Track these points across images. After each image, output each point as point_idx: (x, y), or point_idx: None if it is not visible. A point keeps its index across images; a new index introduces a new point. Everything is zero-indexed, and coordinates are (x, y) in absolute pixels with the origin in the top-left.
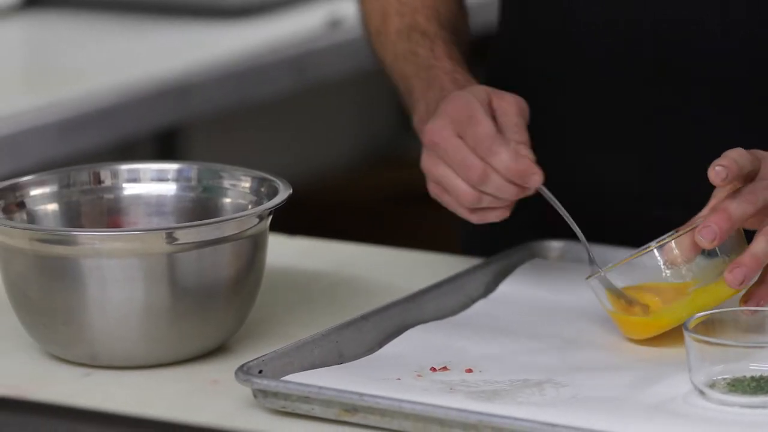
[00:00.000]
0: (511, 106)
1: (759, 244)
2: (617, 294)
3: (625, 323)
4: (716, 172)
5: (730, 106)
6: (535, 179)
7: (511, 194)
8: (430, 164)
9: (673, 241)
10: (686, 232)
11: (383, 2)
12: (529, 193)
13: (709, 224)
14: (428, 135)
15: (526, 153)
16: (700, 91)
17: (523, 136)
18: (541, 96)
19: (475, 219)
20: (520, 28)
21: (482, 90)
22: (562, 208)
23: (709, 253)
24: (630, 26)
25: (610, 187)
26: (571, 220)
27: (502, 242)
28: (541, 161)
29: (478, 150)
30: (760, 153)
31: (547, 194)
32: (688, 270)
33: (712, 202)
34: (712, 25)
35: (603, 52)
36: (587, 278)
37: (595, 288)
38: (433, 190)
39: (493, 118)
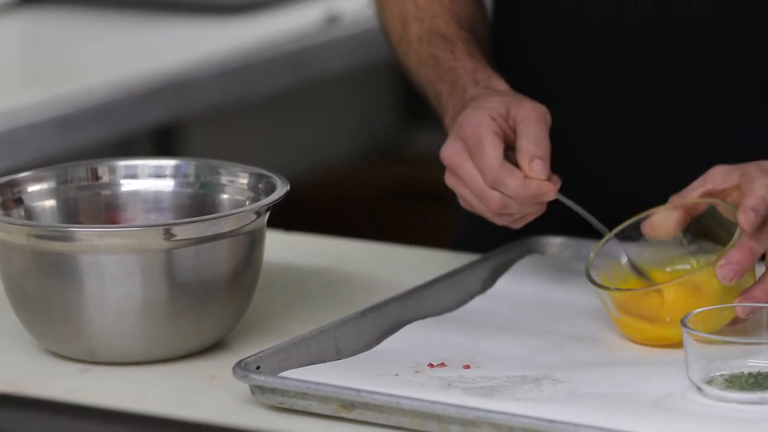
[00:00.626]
0: (530, 114)
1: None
2: (632, 270)
3: (628, 327)
4: (748, 218)
5: (729, 106)
6: (549, 196)
7: (535, 210)
8: (453, 184)
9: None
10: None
11: (402, 10)
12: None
13: (732, 262)
14: (444, 158)
15: (537, 170)
16: (697, 90)
17: (539, 148)
18: (534, 95)
19: (516, 227)
20: (515, 27)
21: (499, 102)
22: (582, 210)
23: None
24: (625, 25)
25: (609, 186)
26: (593, 218)
27: (496, 240)
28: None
29: (488, 182)
30: None
31: (565, 200)
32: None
33: (705, 185)
34: (711, 23)
35: (597, 51)
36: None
37: (601, 295)
38: (462, 204)
39: (513, 129)
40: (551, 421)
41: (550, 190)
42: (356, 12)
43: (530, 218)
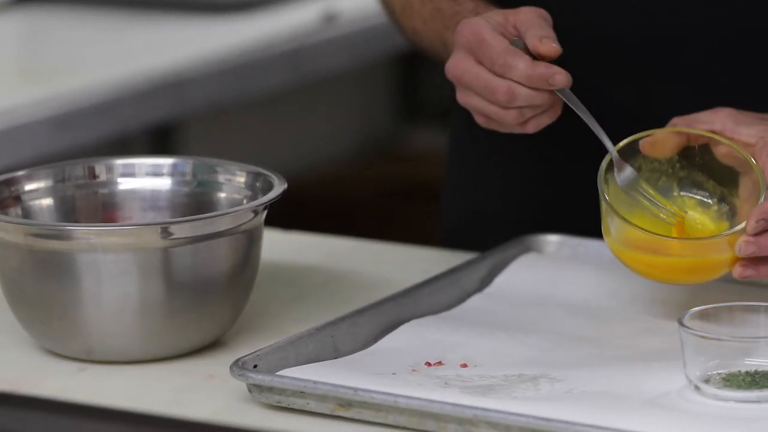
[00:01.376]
0: (529, 14)
1: None
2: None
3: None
4: (758, 226)
5: (720, 97)
6: (559, 78)
7: (544, 100)
8: (463, 98)
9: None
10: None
11: None
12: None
13: (756, 242)
14: (449, 72)
15: (548, 47)
16: (688, 84)
17: (545, 30)
18: None
19: (530, 129)
20: None
21: (497, 12)
22: (589, 116)
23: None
24: (613, 21)
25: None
26: (599, 127)
27: (485, 237)
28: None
29: (496, 69)
30: None
31: (569, 95)
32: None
33: (712, 124)
34: (699, 14)
35: (586, 46)
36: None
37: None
38: (480, 121)
39: (515, 35)
40: (548, 420)
41: (559, 71)
42: (354, 10)
43: (544, 120)
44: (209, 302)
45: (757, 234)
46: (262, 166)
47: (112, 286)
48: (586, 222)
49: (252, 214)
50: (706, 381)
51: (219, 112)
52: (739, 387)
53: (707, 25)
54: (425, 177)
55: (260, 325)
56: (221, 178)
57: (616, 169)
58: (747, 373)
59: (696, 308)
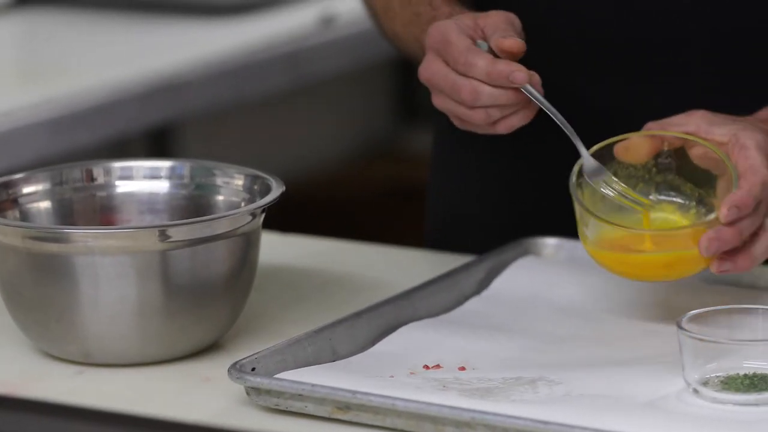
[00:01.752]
0: (497, 17)
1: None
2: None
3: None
4: (730, 214)
5: (714, 94)
6: (519, 75)
7: (510, 99)
8: (436, 101)
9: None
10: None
11: None
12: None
13: (717, 237)
14: (421, 75)
15: (509, 43)
16: (681, 77)
17: (509, 32)
18: None
19: (501, 130)
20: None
21: (467, 16)
22: (555, 111)
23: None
24: (606, 16)
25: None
26: (569, 126)
27: (465, 243)
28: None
29: (459, 68)
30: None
31: (536, 95)
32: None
33: (687, 126)
34: (675, 15)
35: (559, 45)
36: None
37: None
38: (456, 122)
39: (483, 38)
40: (546, 423)
41: (518, 68)
42: (351, 13)
43: (514, 121)
44: (207, 305)
45: (731, 222)
46: (260, 168)
47: (110, 289)
48: (564, 225)
49: (250, 217)
50: (705, 384)
51: (217, 115)
52: (737, 390)
53: (686, 27)
54: (424, 178)
55: (258, 327)
56: (219, 180)
57: (584, 164)
58: (745, 375)
59: (694, 311)
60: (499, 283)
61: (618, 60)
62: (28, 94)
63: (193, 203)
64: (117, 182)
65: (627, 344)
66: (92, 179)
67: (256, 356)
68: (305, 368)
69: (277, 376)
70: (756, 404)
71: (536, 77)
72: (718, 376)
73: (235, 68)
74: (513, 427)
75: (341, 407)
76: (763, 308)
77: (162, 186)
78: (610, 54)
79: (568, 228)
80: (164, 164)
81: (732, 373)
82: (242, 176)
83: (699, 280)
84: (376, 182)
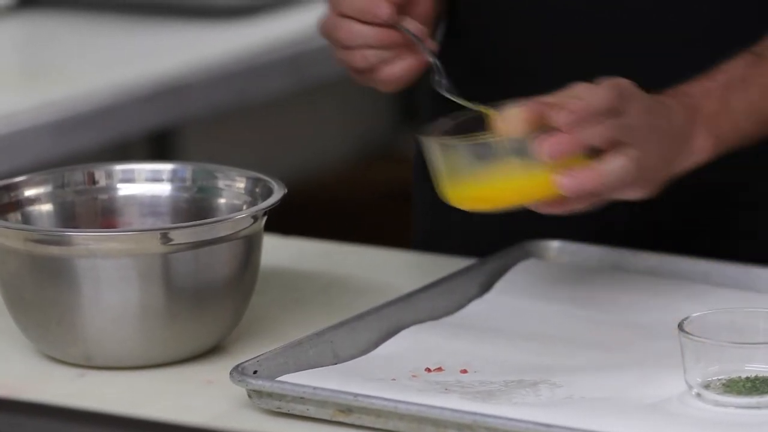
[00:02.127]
0: None
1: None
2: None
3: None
4: (557, 118)
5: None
6: (382, 9)
7: (381, 38)
8: (337, 55)
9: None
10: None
11: None
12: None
13: (555, 142)
14: (320, 32)
15: None
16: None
17: None
18: (487, 79)
19: (383, 77)
20: (467, 9)
21: None
22: (427, 49)
23: None
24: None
25: None
26: (438, 62)
27: (448, 249)
28: None
29: (335, 9)
30: (628, 91)
31: (410, 31)
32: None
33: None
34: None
35: (547, 33)
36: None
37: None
38: (354, 76)
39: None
40: (548, 426)
41: (383, 3)
42: None
43: (395, 70)
44: (209, 308)
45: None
46: (262, 171)
47: (112, 292)
48: (585, 228)
49: (252, 220)
50: (707, 387)
51: (219, 118)
52: (739, 393)
53: (658, 13)
54: None
55: (260, 330)
56: (221, 183)
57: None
58: (747, 378)
59: (696, 314)
60: (501, 286)
61: (589, 42)
62: (30, 97)
63: (195, 206)
64: (119, 185)
65: (629, 347)
66: (94, 182)
67: (258, 359)
68: (307, 371)
69: (278, 378)
70: (758, 407)
71: (420, 27)
72: (719, 379)
73: (237, 71)
74: (515, 430)
75: (343, 410)
76: (764, 311)
77: (164, 189)
78: (578, 36)
79: (549, 232)
80: (166, 167)
81: (734, 376)
82: (244, 179)
83: (700, 283)
84: (377, 184)
